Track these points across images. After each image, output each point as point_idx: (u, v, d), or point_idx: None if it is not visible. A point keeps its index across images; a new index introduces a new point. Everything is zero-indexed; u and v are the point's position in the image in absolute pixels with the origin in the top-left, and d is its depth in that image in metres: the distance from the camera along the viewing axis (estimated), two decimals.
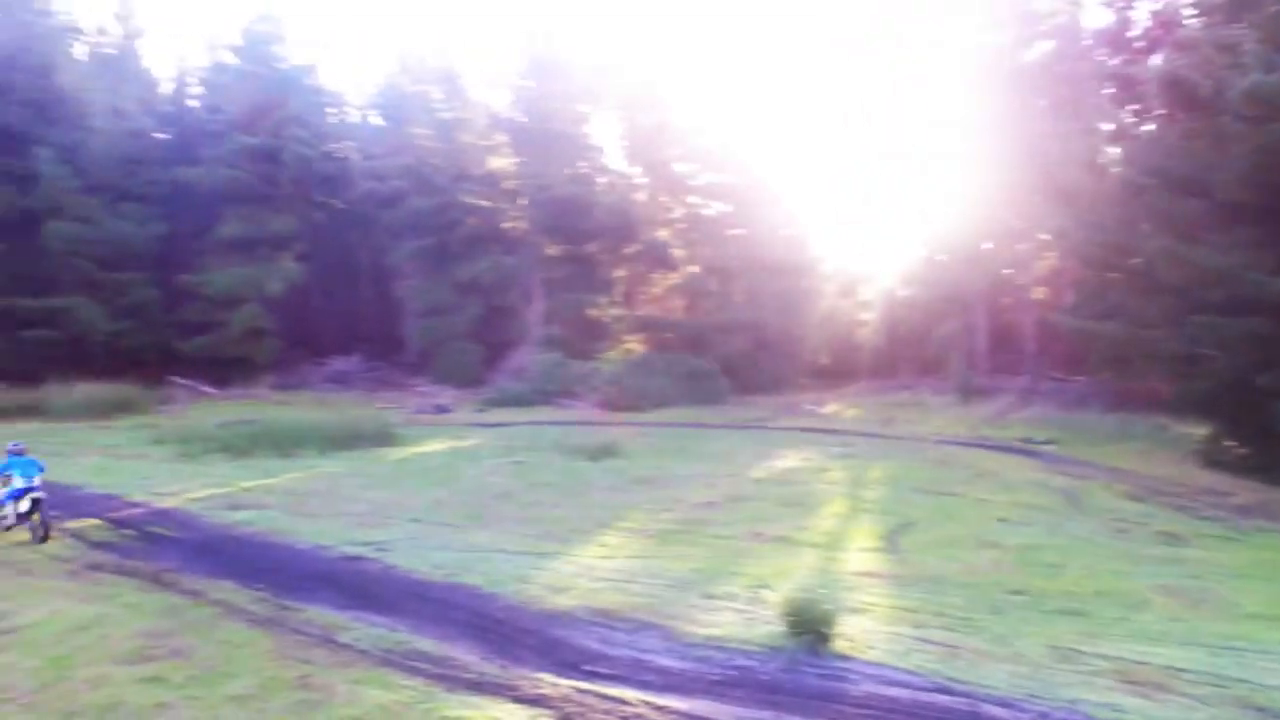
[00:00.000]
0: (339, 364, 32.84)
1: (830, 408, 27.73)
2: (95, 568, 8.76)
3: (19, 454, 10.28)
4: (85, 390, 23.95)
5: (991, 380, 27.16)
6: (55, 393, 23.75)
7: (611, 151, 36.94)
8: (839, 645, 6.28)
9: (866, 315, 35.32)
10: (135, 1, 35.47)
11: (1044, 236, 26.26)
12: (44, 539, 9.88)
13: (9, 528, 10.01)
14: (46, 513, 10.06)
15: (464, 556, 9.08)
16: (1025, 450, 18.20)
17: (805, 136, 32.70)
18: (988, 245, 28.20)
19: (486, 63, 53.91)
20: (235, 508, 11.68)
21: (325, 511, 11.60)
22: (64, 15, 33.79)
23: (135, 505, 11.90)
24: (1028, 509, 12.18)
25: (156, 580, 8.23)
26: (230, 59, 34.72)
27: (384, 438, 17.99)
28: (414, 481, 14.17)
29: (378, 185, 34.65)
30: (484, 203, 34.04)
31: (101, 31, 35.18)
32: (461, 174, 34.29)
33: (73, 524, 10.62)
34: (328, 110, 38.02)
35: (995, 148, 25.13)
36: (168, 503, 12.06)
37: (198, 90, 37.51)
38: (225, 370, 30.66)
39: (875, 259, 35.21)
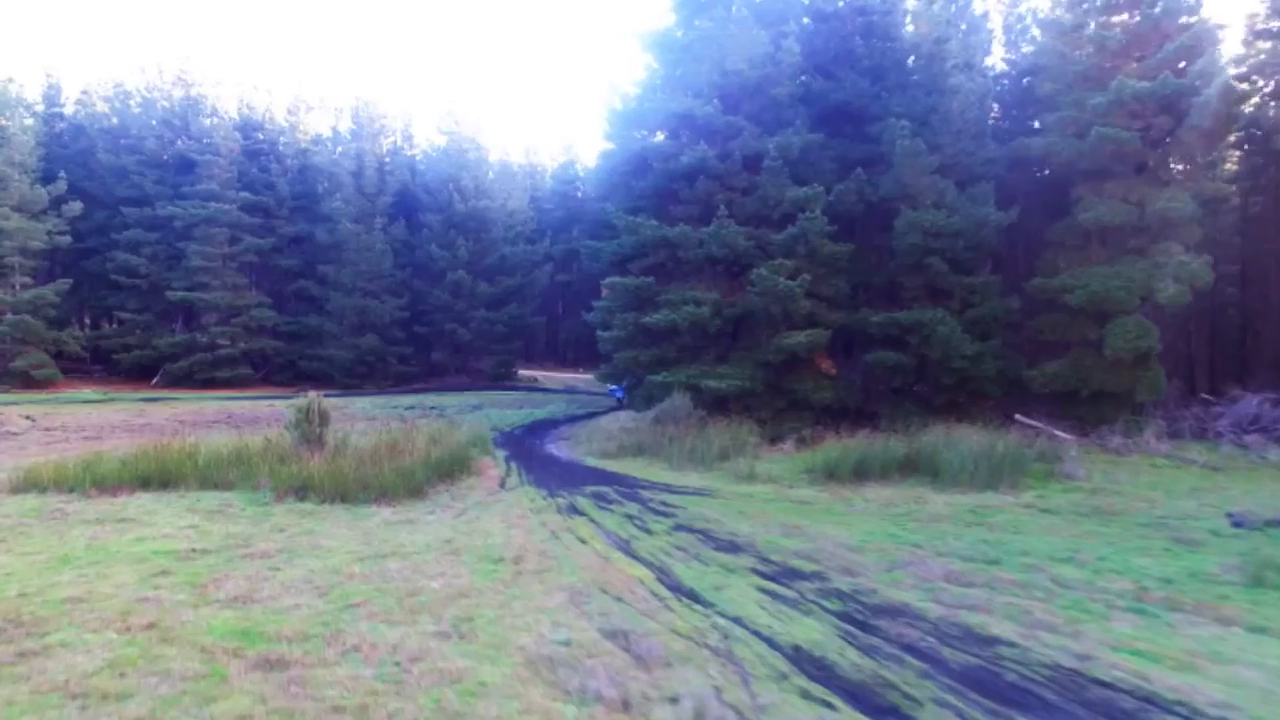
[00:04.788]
0: (1246, 404, 22.16)
1: None
2: None
3: (617, 388, 28.68)
4: (966, 442, 16.71)
5: None
6: (931, 445, 17.02)
7: None
8: None
9: None
10: None
11: None
12: (618, 407, 29.30)
13: (616, 405, 29.86)
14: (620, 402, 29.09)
15: None
16: None
17: None
18: None
19: None
20: None
21: None
22: None
23: None
24: None
25: None
26: None
27: None
28: None
29: None
30: None
31: None
32: None
33: None
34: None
35: None
36: None
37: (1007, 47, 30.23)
38: (1079, 408, 23.05)
39: None
